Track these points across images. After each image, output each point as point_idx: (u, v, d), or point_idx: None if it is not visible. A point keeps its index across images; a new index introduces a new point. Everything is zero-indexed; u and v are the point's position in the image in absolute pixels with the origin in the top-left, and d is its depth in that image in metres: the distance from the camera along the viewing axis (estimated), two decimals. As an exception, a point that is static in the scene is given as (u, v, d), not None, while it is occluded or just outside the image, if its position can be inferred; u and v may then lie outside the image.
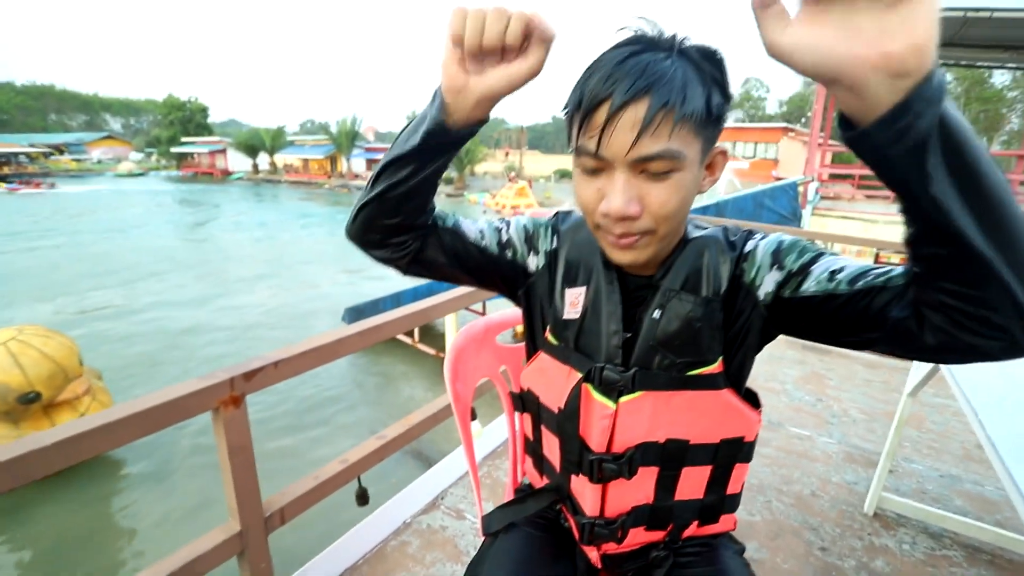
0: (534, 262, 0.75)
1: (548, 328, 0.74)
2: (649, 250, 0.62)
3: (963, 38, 6.65)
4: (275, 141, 45.62)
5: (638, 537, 0.76)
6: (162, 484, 5.26)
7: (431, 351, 10.34)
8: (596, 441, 0.70)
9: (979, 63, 8.90)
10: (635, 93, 0.52)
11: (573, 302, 0.71)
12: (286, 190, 37.94)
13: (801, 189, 6.92)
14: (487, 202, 32.93)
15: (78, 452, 0.84)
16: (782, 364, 2.98)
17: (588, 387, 0.69)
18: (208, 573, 1.05)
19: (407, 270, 0.71)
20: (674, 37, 0.56)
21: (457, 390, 0.97)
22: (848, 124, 0.41)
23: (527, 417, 0.84)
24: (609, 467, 0.70)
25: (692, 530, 0.77)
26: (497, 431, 2.14)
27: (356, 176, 41.25)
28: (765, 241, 0.65)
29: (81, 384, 5.33)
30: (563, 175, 55.10)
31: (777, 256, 0.63)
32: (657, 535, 0.76)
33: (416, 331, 10.55)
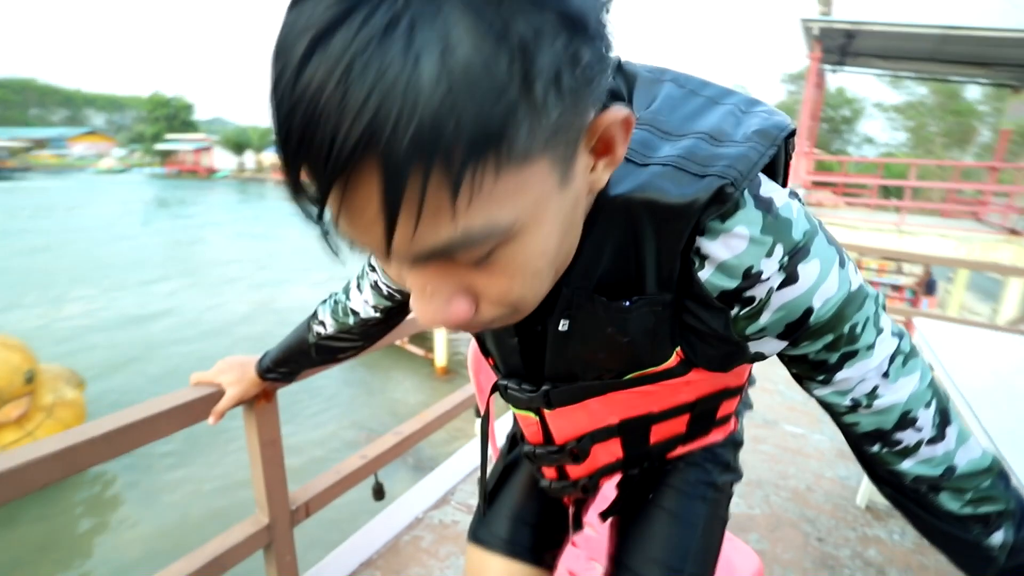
0: None
1: None
2: (519, 317, 0.37)
3: (940, 54, 6.93)
4: (263, 139, 45.44)
5: (613, 481, 0.70)
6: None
7: (420, 352, 10.35)
8: (531, 439, 0.64)
9: (951, 78, 9.25)
10: (354, 157, 0.23)
11: None
12: (272, 189, 37.64)
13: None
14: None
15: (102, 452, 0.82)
16: (774, 364, 3.06)
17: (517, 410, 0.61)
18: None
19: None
20: None
21: (480, 382, 1.02)
22: None
23: None
24: (551, 457, 0.62)
25: (678, 451, 0.66)
26: (503, 428, 2.18)
27: (343, 177, 41.30)
28: (779, 297, 0.38)
29: (15, 407, 4.72)
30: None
31: (792, 332, 0.40)
32: (635, 470, 0.68)
33: (405, 332, 10.58)
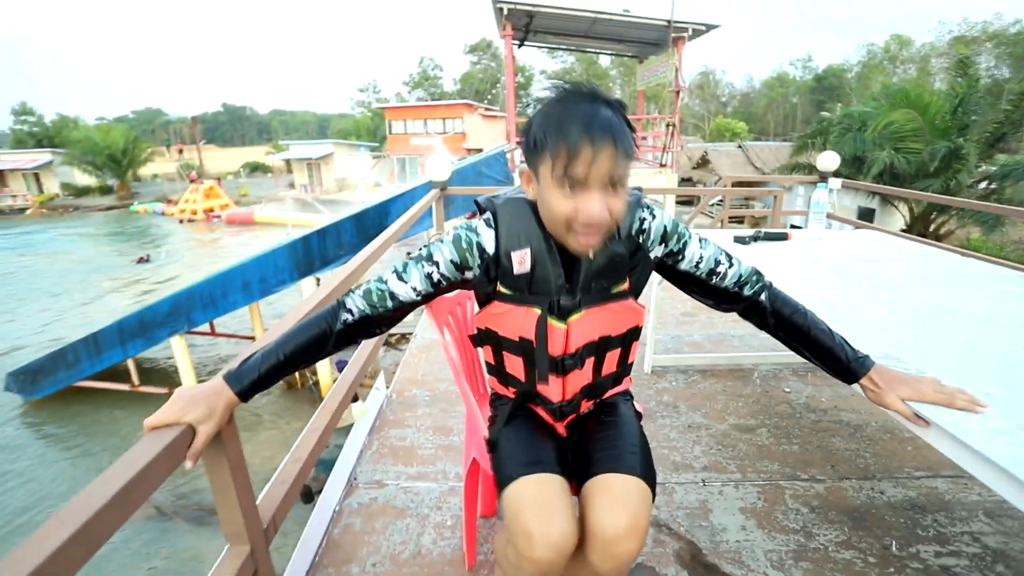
0: (469, 275, 0.98)
1: (498, 284, 0.98)
2: (601, 239, 0.88)
3: (591, 32, 8.85)
4: None
5: (584, 407, 1.11)
6: None
7: (162, 390, 8.66)
8: (557, 347, 1.00)
9: (599, 51, 11.85)
10: (607, 141, 0.79)
11: (520, 260, 0.95)
12: None
13: (509, 156, 8.17)
14: (167, 211, 27.76)
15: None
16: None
17: (549, 319, 0.97)
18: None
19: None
20: (600, 90, 0.84)
21: (442, 323, 1.18)
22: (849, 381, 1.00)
23: (487, 348, 1.11)
24: (568, 362, 1.01)
25: (609, 393, 1.13)
26: (372, 405, 2.24)
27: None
28: (655, 223, 0.97)
29: None
30: (254, 168, 49.45)
31: (664, 237, 0.98)
32: (592, 402, 1.12)
33: (134, 372, 8.65)
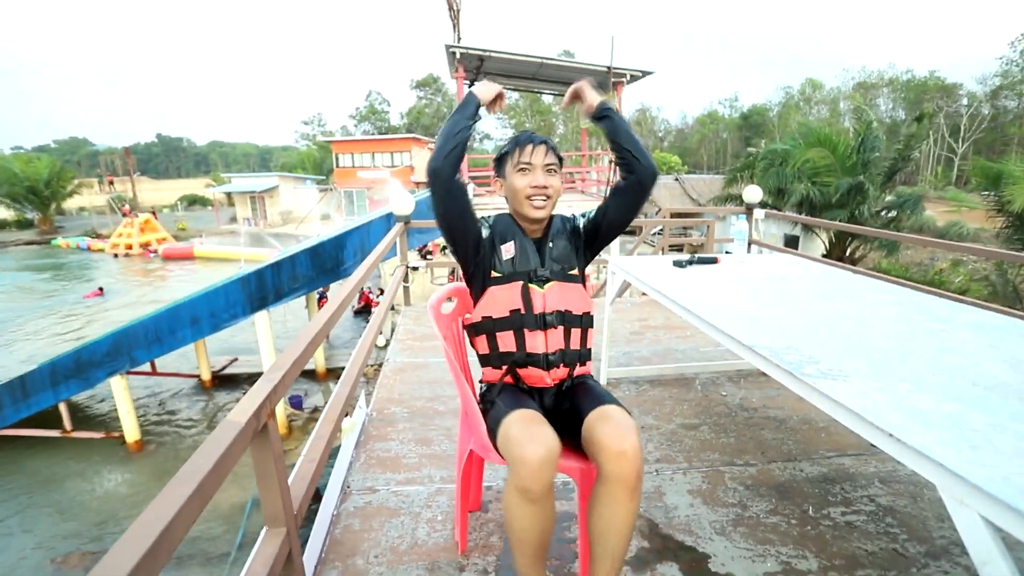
0: (484, 232, 1.45)
1: (492, 271, 1.42)
2: (549, 209, 1.42)
3: (538, 75, 9.50)
4: None
5: (561, 371, 1.41)
6: None
7: (98, 435, 8.20)
8: (538, 307, 1.39)
9: (544, 91, 12.62)
10: (541, 142, 1.41)
11: (507, 250, 1.43)
12: None
13: (462, 190, 8.53)
14: (95, 245, 26.28)
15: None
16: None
17: (530, 285, 1.40)
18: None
19: (448, 194, 1.37)
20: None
21: (444, 335, 1.43)
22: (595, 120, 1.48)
23: (482, 339, 1.44)
24: (548, 318, 1.39)
25: (577, 371, 1.45)
26: (356, 422, 2.41)
27: None
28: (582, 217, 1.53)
29: None
30: (192, 201, 47.50)
31: (584, 215, 1.53)
32: (566, 371, 1.42)
33: (66, 416, 8.15)
